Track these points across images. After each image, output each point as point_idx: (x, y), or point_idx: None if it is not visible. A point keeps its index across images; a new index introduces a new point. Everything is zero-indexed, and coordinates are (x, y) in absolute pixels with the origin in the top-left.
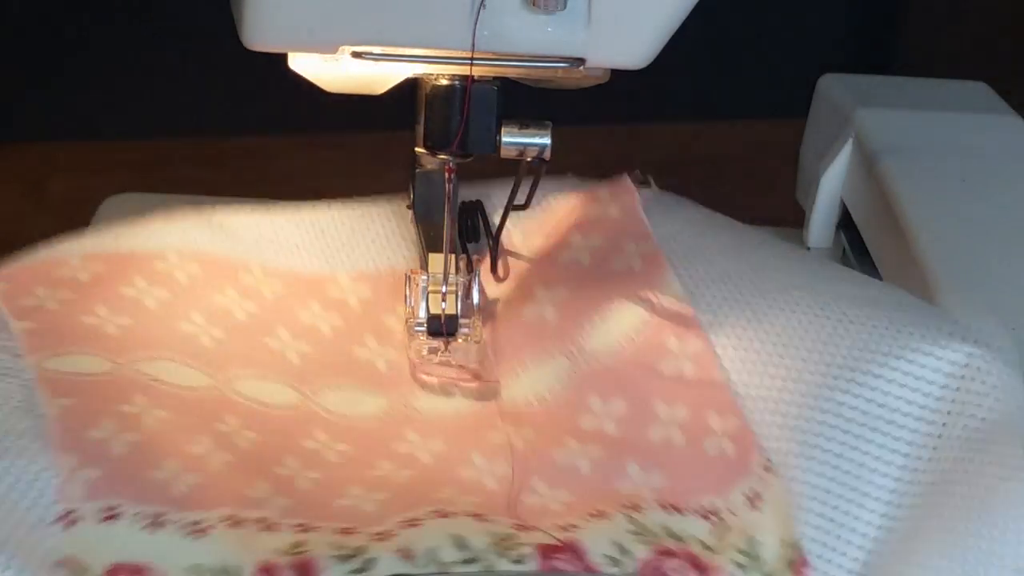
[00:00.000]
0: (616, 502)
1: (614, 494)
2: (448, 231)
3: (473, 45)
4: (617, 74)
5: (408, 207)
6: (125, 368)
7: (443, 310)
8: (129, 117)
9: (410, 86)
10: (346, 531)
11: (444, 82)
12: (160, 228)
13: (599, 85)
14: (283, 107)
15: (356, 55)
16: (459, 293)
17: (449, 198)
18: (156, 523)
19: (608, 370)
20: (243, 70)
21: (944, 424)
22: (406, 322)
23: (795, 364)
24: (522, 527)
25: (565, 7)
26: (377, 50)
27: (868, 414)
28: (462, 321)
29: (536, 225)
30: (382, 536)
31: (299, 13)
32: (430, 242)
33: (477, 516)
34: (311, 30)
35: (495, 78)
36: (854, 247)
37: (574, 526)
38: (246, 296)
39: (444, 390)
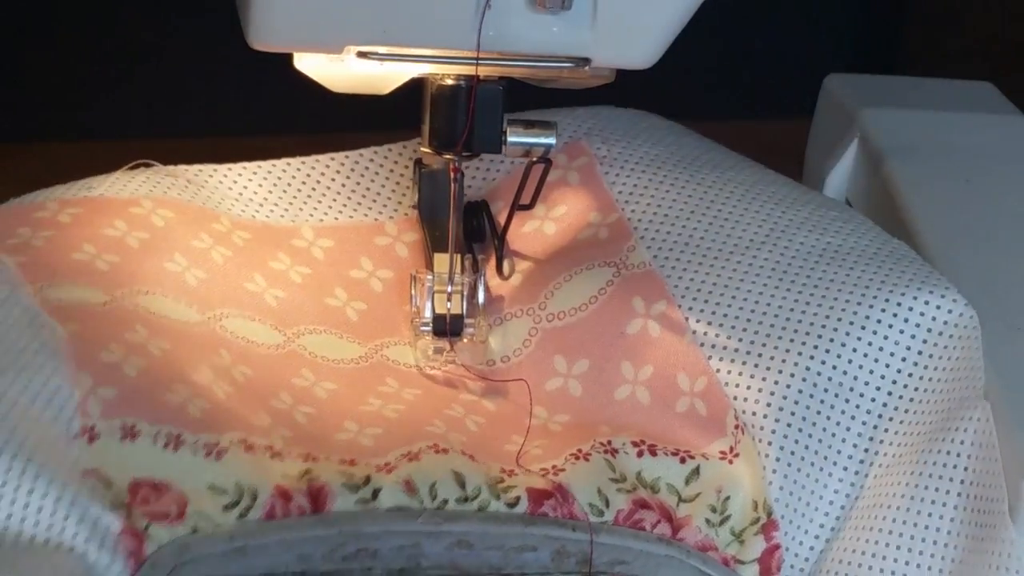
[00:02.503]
0: (595, 441)
1: (593, 432)
2: (453, 231)
3: (479, 45)
4: (622, 74)
5: (413, 207)
6: (122, 300)
7: (448, 310)
8: (132, 117)
9: (415, 86)
10: (349, 462)
11: (449, 82)
12: (131, 179)
13: (604, 85)
14: (289, 107)
15: (362, 55)
16: (464, 293)
17: (454, 198)
18: (174, 442)
19: (571, 328)
20: (248, 70)
21: (911, 398)
22: (411, 322)
23: (763, 331)
24: (509, 472)
25: (570, 7)
26: (383, 50)
27: (832, 380)
28: (467, 321)
29: (501, 198)
30: (385, 468)
31: (305, 14)
32: (435, 242)
33: (469, 456)
34: (317, 30)
35: (500, 78)
36: None
37: (560, 469)
38: (220, 242)
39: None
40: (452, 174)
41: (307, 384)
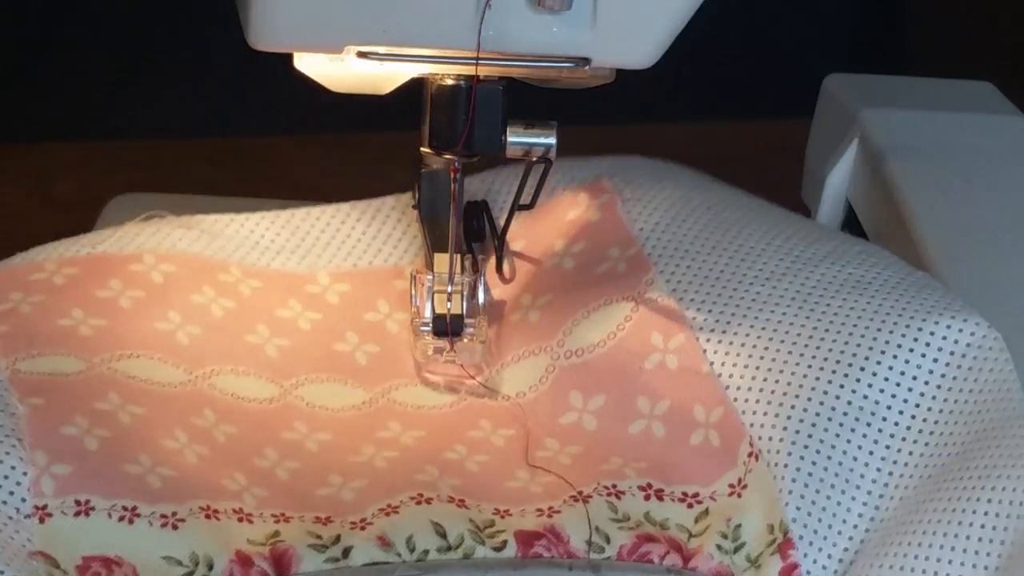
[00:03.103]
0: (598, 484)
1: (597, 475)
2: (453, 231)
3: (479, 45)
4: (622, 74)
5: (413, 207)
6: (99, 367)
7: (448, 310)
8: (135, 117)
9: (416, 86)
10: (323, 520)
11: (450, 82)
12: (138, 231)
13: (604, 85)
14: (289, 107)
15: (362, 55)
16: (464, 293)
17: (455, 198)
18: (129, 515)
19: (589, 365)
20: (249, 70)
21: (936, 421)
22: (411, 322)
23: (781, 357)
24: (504, 513)
25: (570, 7)
26: (383, 50)
27: (852, 405)
28: (467, 321)
29: (521, 227)
30: (360, 524)
31: (305, 13)
32: (436, 242)
33: (458, 502)
34: (317, 30)
35: (501, 78)
36: None
37: (555, 511)
38: (223, 294)
39: (433, 386)
40: (452, 174)
41: (298, 437)
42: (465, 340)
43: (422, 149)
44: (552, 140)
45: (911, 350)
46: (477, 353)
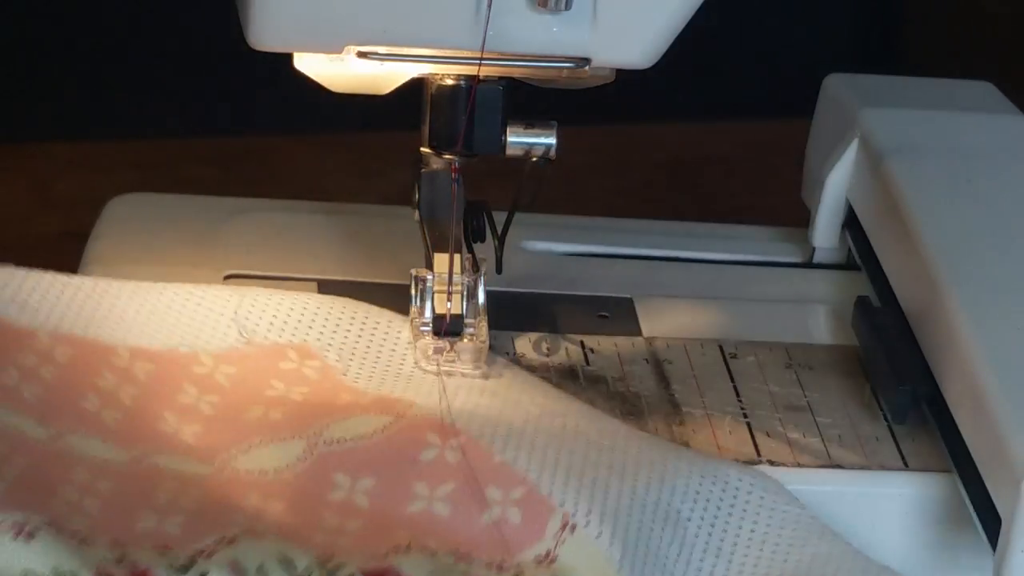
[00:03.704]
0: (406, 545)
1: (389, 549)
2: (453, 231)
3: (483, 45)
4: (622, 74)
5: (414, 207)
6: None
7: (448, 310)
8: (135, 117)
9: (416, 86)
10: (161, 547)
11: (449, 82)
12: (36, 304)
13: (604, 85)
14: (289, 107)
15: (362, 55)
16: (464, 293)
17: (455, 198)
18: None
19: (354, 453)
20: (249, 70)
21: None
22: (411, 322)
23: (579, 452)
24: (329, 555)
25: (570, 7)
26: (383, 50)
27: (659, 507)
28: (467, 321)
29: (229, 353)
30: (205, 552)
31: (305, 13)
32: (436, 242)
33: (285, 538)
34: (317, 30)
35: (500, 78)
36: (859, 247)
37: (384, 555)
38: (124, 380)
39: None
40: (452, 174)
41: (166, 499)
42: (465, 340)
43: (422, 149)
44: (552, 140)
45: (720, 489)
46: (479, 353)
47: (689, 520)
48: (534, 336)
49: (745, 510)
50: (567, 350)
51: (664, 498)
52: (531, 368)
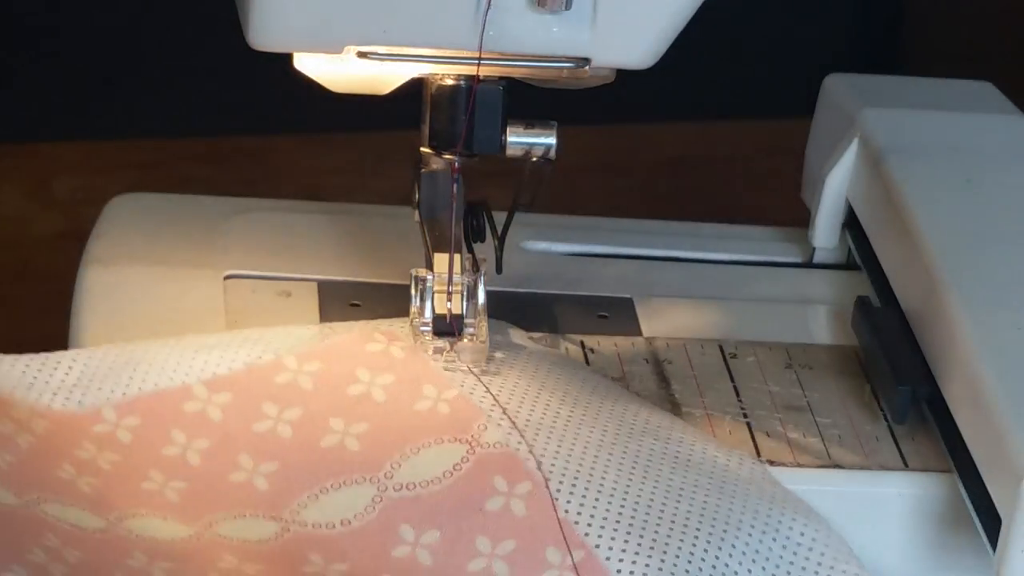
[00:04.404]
0: None
1: None
2: (453, 231)
3: (480, 45)
4: (622, 74)
5: (414, 207)
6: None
7: (449, 310)
8: (135, 117)
9: (415, 86)
10: None
11: (449, 82)
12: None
13: (604, 85)
14: (289, 107)
15: (362, 55)
16: (464, 293)
17: (454, 198)
18: None
19: (421, 500)
20: (248, 70)
21: None
22: (411, 322)
23: (642, 509)
24: None
25: (570, 7)
26: (383, 50)
27: (716, 570)
28: (467, 321)
29: (313, 350)
30: None
31: (305, 14)
32: (436, 242)
33: None
34: (317, 30)
35: (500, 78)
36: (859, 247)
37: None
38: (104, 447)
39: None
40: (452, 174)
41: (140, 565)
42: (465, 340)
43: (422, 149)
44: (552, 140)
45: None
46: (478, 353)
47: None
48: (536, 335)
49: (804, 568)
50: (567, 350)
51: (722, 559)
52: None
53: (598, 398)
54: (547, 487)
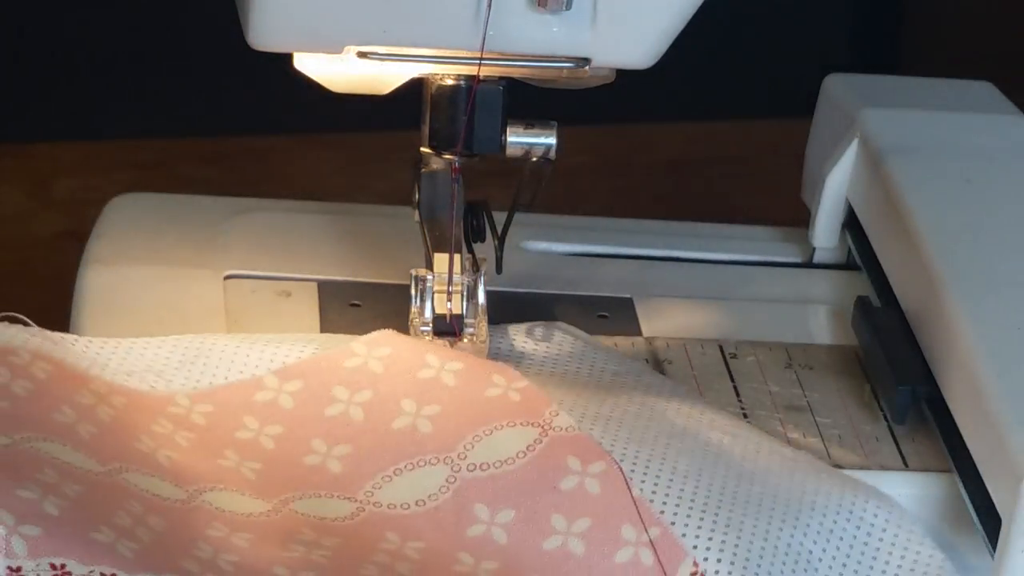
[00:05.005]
0: None
1: None
2: (453, 231)
3: (483, 45)
4: (622, 74)
5: (414, 207)
6: (21, 444)
7: (449, 310)
8: (135, 117)
9: (415, 86)
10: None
11: (449, 82)
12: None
13: (604, 85)
14: (288, 106)
15: (362, 55)
16: (464, 293)
17: (454, 198)
18: None
19: (495, 479)
20: (248, 70)
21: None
22: (411, 322)
23: (716, 490)
24: None
25: (570, 7)
26: (383, 50)
27: (791, 549)
28: (467, 321)
29: (381, 335)
30: None
31: (305, 14)
32: (436, 242)
33: None
34: (317, 30)
35: (500, 78)
36: (859, 247)
37: None
38: (102, 401)
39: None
40: (452, 174)
41: (222, 535)
42: (465, 340)
43: (422, 149)
44: (552, 140)
45: (838, 521)
46: (478, 353)
47: (820, 560)
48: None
49: (878, 548)
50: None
51: (796, 538)
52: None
53: (664, 398)
54: (620, 467)
